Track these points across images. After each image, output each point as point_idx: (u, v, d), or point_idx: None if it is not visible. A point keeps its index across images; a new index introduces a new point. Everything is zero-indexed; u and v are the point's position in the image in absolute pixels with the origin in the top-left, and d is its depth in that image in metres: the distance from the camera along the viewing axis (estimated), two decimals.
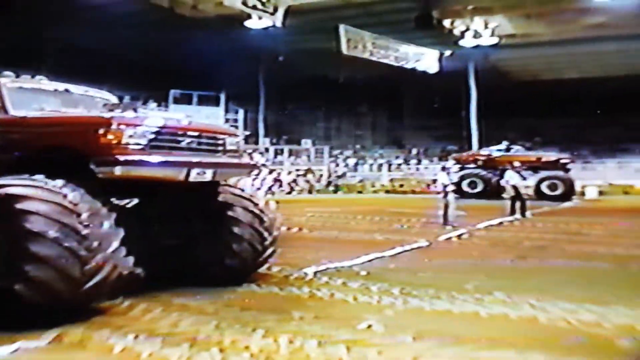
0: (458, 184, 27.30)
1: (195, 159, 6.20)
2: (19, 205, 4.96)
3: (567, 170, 28.22)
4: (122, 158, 5.54)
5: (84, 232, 5.02)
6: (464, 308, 5.91)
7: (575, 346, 4.76)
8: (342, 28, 31.48)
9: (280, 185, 35.41)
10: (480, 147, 36.87)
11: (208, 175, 6.28)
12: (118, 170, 5.53)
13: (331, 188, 38.59)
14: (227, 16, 30.04)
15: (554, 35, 33.86)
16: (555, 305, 5.86)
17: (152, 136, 5.82)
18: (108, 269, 5.16)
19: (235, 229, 6.82)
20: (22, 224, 4.88)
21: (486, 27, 34.63)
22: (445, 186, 14.70)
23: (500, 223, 15.26)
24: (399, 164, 42.70)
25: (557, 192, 26.76)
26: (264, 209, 7.13)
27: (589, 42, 33.98)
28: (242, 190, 7.20)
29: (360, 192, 37.51)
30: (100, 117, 5.91)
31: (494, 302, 6.09)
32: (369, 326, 5.19)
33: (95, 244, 5.05)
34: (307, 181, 38.60)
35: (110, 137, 5.58)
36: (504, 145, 29.93)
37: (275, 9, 27.75)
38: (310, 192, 36.67)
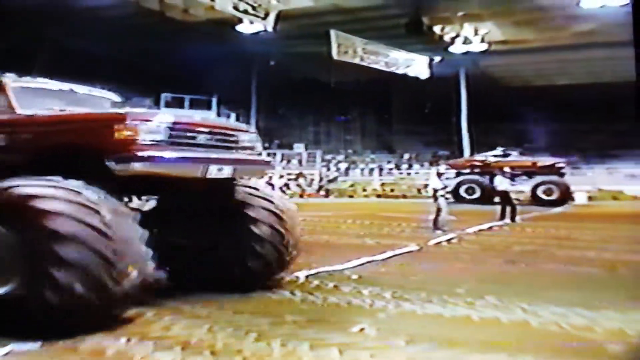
0: (456, 190, 27.42)
1: (212, 155, 6.02)
2: (41, 206, 4.77)
3: (562, 175, 28.21)
4: (139, 154, 5.36)
5: (110, 233, 4.82)
6: (456, 312, 5.94)
7: (567, 350, 4.79)
8: (333, 33, 31.50)
9: (272, 189, 35.31)
10: (471, 152, 37.00)
11: (226, 172, 6.10)
12: (136, 167, 5.35)
13: (322, 192, 38.58)
14: (219, 20, 30.00)
15: (544, 41, 34.06)
16: (546, 309, 5.89)
17: (168, 132, 5.63)
18: (136, 272, 4.99)
19: (256, 230, 6.61)
20: (46, 225, 4.68)
21: (476, 33, 34.81)
22: (436, 191, 14.74)
23: (490, 228, 15.31)
24: (390, 169, 42.76)
25: (553, 197, 26.75)
26: (285, 209, 6.93)
27: (578, 49, 34.21)
28: (260, 189, 6.99)
29: (351, 196, 37.51)
30: (115, 114, 5.75)
31: (486, 306, 6.13)
32: (362, 329, 5.21)
33: (121, 245, 4.86)
34: (299, 185, 38.59)
35: (126, 133, 5.40)
36: (499, 150, 29.89)
37: (267, 14, 27.70)
38: (301, 196, 36.65)
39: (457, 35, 35.11)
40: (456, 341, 4.88)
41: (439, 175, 15.70)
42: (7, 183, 5.05)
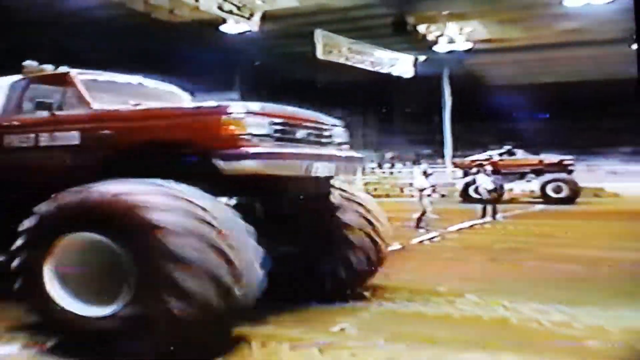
0: (464, 191, 27.32)
1: (314, 152, 5.49)
2: (141, 200, 4.17)
3: (570, 172, 27.87)
4: (252, 151, 4.77)
5: (219, 226, 4.19)
6: (437, 310, 5.98)
7: (547, 347, 4.83)
8: (317, 33, 31.45)
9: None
10: (454, 150, 37.05)
11: (328, 170, 5.59)
12: (249, 165, 4.76)
13: None
14: (204, 21, 29.91)
15: (529, 40, 34.23)
16: (527, 307, 5.94)
17: (272, 127, 5.06)
18: (253, 271, 4.36)
19: (352, 237, 6.17)
20: (152, 220, 4.05)
21: (460, 32, 34.89)
22: (421, 190, 14.70)
23: (472, 226, 15.37)
24: (373, 168, 42.77)
25: (563, 195, 26.44)
26: (378, 215, 6.49)
27: (563, 47, 34.41)
28: (348, 189, 6.53)
29: None
30: (217, 105, 5.09)
31: (466, 304, 6.17)
32: (342, 329, 5.22)
33: (234, 240, 4.23)
34: None
35: (232, 127, 4.81)
36: (504, 148, 29.63)
37: (252, 14, 27.61)
38: None
39: (441, 34, 35.19)
40: (437, 339, 4.91)
41: (425, 174, 15.56)
42: (94, 185, 4.47)
